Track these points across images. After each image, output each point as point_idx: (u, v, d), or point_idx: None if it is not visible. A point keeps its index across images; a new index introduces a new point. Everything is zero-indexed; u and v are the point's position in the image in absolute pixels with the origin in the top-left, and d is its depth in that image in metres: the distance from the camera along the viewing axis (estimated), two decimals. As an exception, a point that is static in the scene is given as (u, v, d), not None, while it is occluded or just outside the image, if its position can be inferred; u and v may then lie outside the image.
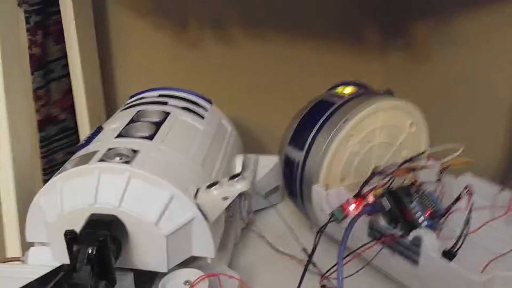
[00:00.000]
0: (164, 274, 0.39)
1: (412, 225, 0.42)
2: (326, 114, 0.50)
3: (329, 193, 0.47)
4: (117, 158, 0.41)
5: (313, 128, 0.50)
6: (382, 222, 0.43)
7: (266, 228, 0.51)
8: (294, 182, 0.51)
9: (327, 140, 0.48)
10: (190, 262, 0.41)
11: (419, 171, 0.48)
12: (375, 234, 0.43)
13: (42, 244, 0.43)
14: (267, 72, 0.75)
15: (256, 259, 0.48)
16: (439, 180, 0.47)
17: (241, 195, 0.46)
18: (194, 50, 0.72)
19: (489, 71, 0.62)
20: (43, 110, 0.63)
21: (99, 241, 0.35)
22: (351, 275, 0.41)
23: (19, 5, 0.58)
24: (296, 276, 0.40)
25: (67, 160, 0.66)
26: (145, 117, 0.50)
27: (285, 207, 0.58)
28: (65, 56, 0.62)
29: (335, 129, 0.48)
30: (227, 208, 0.42)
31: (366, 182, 0.49)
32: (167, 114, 0.50)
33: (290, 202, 0.55)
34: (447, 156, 0.49)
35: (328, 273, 0.42)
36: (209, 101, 0.56)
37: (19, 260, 0.44)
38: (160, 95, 0.54)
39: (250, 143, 0.61)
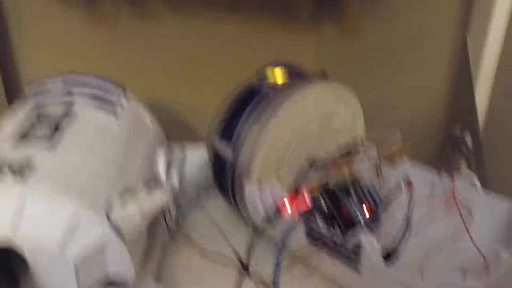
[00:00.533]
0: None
1: (350, 223, 0.39)
2: (256, 101, 0.45)
3: (262, 190, 0.43)
4: (9, 173, 0.34)
5: (242, 117, 0.45)
6: (318, 221, 0.40)
7: (196, 232, 0.46)
8: (224, 177, 0.46)
9: (259, 130, 0.43)
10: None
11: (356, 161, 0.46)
12: (313, 234, 0.39)
13: None
14: (192, 49, 0.68)
15: (186, 268, 0.43)
16: (377, 170, 0.44)
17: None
18: (107, 28, 0.63)
19: (423, 44, 0.60)
20: None
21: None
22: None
23: None
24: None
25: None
26: (45, 114, 0.42)
27: (217, 206, 0.52)
28: None
29: (266, 117, 0.43)
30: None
31: (301, 175, 0.46)
32: (71, 106, 0.43)
33: (221, 200, 0.50)
34: (383, 141, 0.46)
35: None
36: (123, 88, 0.49)
37: None
38: (65, 83, 0.47)
39: (174, 132, 0.55)
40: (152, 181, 0.41)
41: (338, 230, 0.39)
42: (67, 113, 0.42)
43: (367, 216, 0.39)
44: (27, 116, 0.41)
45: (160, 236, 0.44)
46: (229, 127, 0.45)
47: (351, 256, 0.37)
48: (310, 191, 0.40)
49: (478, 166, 0.54)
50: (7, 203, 0.33)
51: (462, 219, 0.40)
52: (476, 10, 0.59)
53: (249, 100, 0.45)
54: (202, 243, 0.44)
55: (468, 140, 0.57)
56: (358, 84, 0.49)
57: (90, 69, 0.50)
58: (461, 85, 0.62)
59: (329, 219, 0.40)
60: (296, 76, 0.46)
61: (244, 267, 0.39)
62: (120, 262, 0.35)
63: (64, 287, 0.33)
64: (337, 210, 0.39)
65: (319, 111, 0.46)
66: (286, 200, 0.40)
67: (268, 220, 0.41)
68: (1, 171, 0.34)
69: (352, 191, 0.40)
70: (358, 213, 0.39)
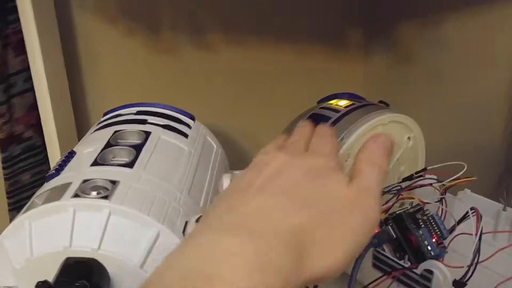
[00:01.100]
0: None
1: (419, 253, 0.39)
2: (321, 131, 0.46)
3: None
4: (94, 192, 0.37)
5: (307, 146, 0.46)
6: (386, 251, 0.40)
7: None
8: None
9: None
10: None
11: (419, 190, 0.46)
12: (380, 265, 0.39)
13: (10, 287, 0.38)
14: (249, 79, 0.71)
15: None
16: (441, 199, 0.44)
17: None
18: (169, 58, 0.67)
19: (477, 75, 0.60)
20: (5, 128, 0.57)
21: (78, 294, 0.31)
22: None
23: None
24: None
25: (34, 181, 0.62)
26: (123, 139, 0.45)
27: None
28: (27, 68, 0.56)
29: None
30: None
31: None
32: (147, 134, 0.45)
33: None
34: (444, 171, 0.46)
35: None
36: (192, 117, 0.51)
37: (-18, 307, 0.38)
38: (138, 112, 0.49)
39: (234, 158, 0.57)
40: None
41: (406, 258, 0.39)
42: (145, 140, 0.44)
43: (436, 246, 0.39)
44: (107, 141, 0.44)
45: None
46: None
47: (421, 284, 0.36)
48: (377, 219, 0.41)
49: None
50: (92, 219, 0.35)
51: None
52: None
53: (315, 129, 0.46)
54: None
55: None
56: (409, 112, 0.50)
57: (154, 95, 0.53)
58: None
59: (397, 249, 0.40)
60: (359, 107, 0.47)
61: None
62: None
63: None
64: (405, 238, 0.39)
65: (383, 141, 0.46)
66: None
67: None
68: (85, 189, 0.37)
69: (419, 220, 0.40)
70: (428, 243, 0.39)
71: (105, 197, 0.36)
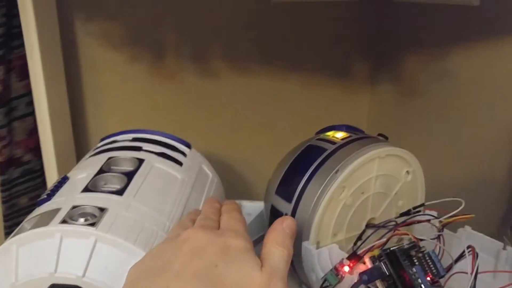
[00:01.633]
0: None
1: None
2: (317, 162, 0.45)
3: (320, 251, 0.43)
4: (82, 219, 0.36)
5: (302, 177, 0.45)
6: (378, 285, 0.39)
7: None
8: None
9: (318, 193, 0.43)
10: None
11: (417, 226, 0.45)
12: (373, 301, 0.38)
13: (-6, 314, 0.37)
14: (251, 107, 0.71)
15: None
16: (438, 236, 0.43)
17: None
18: (171, 84, 0.67)
19: (482, 109, 0.59)
20: (4, 151, 0.57)
21: (59, 322, 0.30)
22: None
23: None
24: None
25: (31, 205, 0.62)
26: (116, 166, 0.45)
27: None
28: (29, 92, 0.57)
29: (326, 180, 0.43)
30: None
31: (360, 238, 0.46)
32: (141, 161, 0.45)
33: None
34: (443, 208, 0.45)
35: None
36: (188, 145, 0.51)
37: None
38: (134, 139, 0.50)
39: (232, 187, 0.57)
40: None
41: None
42: (137, 168, 0.44)
43: (430, 284, 0.38)
44: (100, 168, 0.44)
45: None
46: (289, 185, 0.46)
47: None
48: (371, 256, 0.39)
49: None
50: (78, 246, 0.35)
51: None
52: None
53: (310, 159, 0.46)
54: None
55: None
56: (413, 145, 0.49)
57: (155, 121, 0.53)
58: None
59: (390, 284, 0.39)
60: (356, 139, 0.47)
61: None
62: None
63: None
64: (398, 275, 0.38)
65: (381, 175, 0.46)
66: (345, 262, 0.40)
67: (327, 282, 0.40)
68: (73, 216, 0.37)
69: (414, 257, 0.39)
70: (421, 282, 0.37)
71: (92, 224, 0.35)
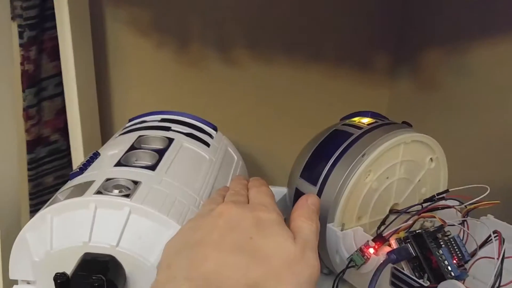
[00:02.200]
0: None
1: (439, 273, 0.38)
2: (343, 146, 0.46)
3: (345, 234, 0.43)
4: (116, 191, 0.37)
5: (328, 161, 0.46)
6: (405, 269, 0.39)
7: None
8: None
9: (344, 176, 0.44)
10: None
11: (440, 212, 0.45)
12: (398, 283, 0.39)
13: (28, 282, 0.38)
14: (273, 96, 0.72)
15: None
16: (463, 222, 0.43)
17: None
18: (196, 70, 0.68)
19: (501, 103, 0.60)
20: (33, 130, 0.58)
21: (94, 287, 0.31)
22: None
23: (12, 19, 0.55)
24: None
25: (56, 184, 0.63)
26: (147, 144, 0.46)
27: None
28: (59, 74, 0.58)
29: (353, 164, 0.44)
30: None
31: (383, 222, 0.46)
32: (170, 140, 0.46)
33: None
34: (466, 195, 0.45)
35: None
36: (215, 128, 0.52)
37: (-1, 300, 0.39)
38: (163, 119, 0.50)
39: (254, 172, 0.57)
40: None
41: (426, 277, 0.38)
42: (167, 146, 0.45)
43: (456, 267, 0.38)
44: (131, 145, 0.45)
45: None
46: (314, 168, 0.47)
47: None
48: (397, 238, 0.40)
49: None
50: (113, 216, 0.36)
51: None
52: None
53: (336, 144, 0.46)
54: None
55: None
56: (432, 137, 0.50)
57: (179, 106, 0.54)
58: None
59: (416, 268, 0.39)
60: (382, 125, 0.47)
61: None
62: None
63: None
64: (424, 257, 0.38)
65: (406, 161, 0.46)
66: (371, 244, 0.40)
67: (352, 263, 0.40)
68: (108, 187, 0.37)
69: (440, 239, 0.39)
70: (448, 263, 0.38)
71: (127, 196, 0.36)
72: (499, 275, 0.37)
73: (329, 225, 0.44)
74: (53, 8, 0.55)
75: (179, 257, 0.31)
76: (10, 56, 0.49)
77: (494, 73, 0.60)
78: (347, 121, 0.50)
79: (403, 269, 0.39)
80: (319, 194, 0.45)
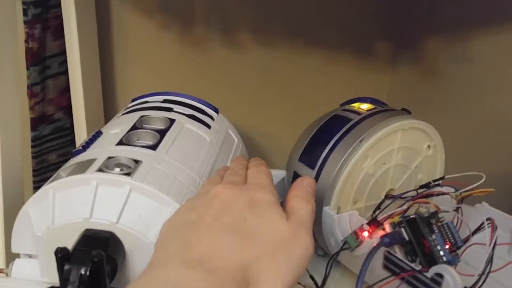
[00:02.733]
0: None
1: (431, 258, 0.39)
2: (342, 131, 0.47)
3: (341, 217, 0.44)
4: (117, 169, 0.38)
5: (327, 145, 0.47)
6: (398, 253, 0.40)
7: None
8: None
9: (342, 160, 0.45)
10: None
11: (435, 198, 0.46)
12: (390, 267, 0.40)
13: (29, 256, 0.39)
14: (275, 79, 0.72)
15: None
16: (457, 209, 0.44)
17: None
18: (199, 52, 0.68)
19: (501, 91, 0.60)
20: (37, 107, 0.59)
21: (94, 262, 0.32)
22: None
23: (17, -5, 0.55)
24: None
25: (59, 162, 0.64)
26: (149, 124, 0.46)
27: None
28: (63, 52, 0.58)
29: (350, 149, 0.45)
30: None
31: (379, 207, 0.47)
32: (172, 121, 0.47)
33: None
34: (462, 182, 0.46)
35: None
36: (216, 110, 0.53)
37: (2, 272, 0.40)
38: (165, 100, 0.51)
39: (254, 155, 0.58)
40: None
41: (418, 261, 0.39)
42: (169, 127, 0.46)
43: (449, 253, 0.39)
44: (133, 125, 0.45)
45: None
46: (312, 152, 0.47)
47: (430, 285, 0.36)
48: (391, 222, 0.41)
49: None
50: (113, 193, 0.36)
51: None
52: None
53: (335, 128, 0.47)
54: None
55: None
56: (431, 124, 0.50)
57: (181, 87, 0.54)
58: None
59: (409, 252, 0.40)
60: (381, 111, 0.48)
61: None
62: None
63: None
64: (417, 242, 0.39)
65: (403, 147, 0.47)
66: (365, 227, 0.41)
67: (346, 246, 0.41)
68: (109, 166, 0.38)
69: (433, 225, 0.40)
70: (440, 248, 0.39)
71: (127, 174, 0.37)
72: (490, 261, 0.38)
73: (325, 208, 0.45)
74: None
75: (174, 238, 0.31)
76: (14, 34, 0.49)
77: (495, 61, 0.61)
78: (346, 107, 0.50)
79: (396, 253, 0.40)
80: (317, 177, 0.46)
